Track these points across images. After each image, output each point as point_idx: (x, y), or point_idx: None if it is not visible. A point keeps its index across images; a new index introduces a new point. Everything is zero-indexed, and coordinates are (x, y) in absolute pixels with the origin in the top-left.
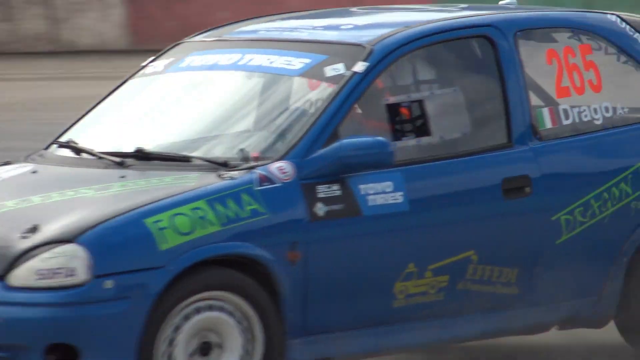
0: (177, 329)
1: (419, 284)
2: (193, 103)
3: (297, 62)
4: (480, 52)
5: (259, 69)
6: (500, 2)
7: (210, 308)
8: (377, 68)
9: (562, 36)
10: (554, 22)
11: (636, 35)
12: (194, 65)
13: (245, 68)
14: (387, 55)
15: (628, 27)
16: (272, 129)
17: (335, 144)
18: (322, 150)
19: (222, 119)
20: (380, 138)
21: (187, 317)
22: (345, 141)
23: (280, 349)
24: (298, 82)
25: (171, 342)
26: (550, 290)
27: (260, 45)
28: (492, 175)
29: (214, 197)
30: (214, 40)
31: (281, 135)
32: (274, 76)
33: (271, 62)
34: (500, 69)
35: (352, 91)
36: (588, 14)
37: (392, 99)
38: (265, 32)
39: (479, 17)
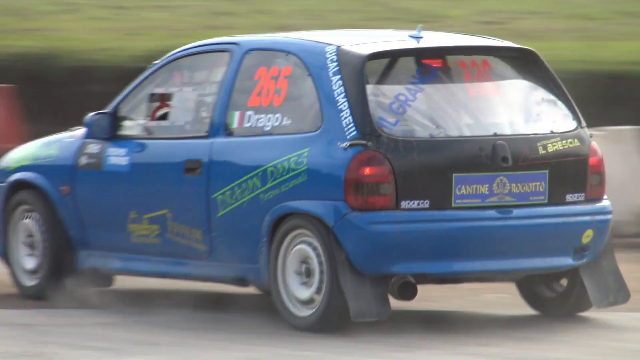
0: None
1: (142, 228)
2: None
3: None
4: (223, 64)
5: None
6: (410, 33)
7: None
8: (159, 64)
9: (279, 57)
10: (277, 46)
11: (333, 65)
12: None
13: None
14: (166, 58)
15: (334, 58)
16: None
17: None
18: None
19: None
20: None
21: None
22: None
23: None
24: None
25: None
26: (225, 253)
27: None
28: (180, 156)
29: None
30: None
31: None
32: None
33: None
34: (222, 77)
35: (141, 79)
36: (306, 42)
37: (156, 90)
38: None
39: (232, 37)
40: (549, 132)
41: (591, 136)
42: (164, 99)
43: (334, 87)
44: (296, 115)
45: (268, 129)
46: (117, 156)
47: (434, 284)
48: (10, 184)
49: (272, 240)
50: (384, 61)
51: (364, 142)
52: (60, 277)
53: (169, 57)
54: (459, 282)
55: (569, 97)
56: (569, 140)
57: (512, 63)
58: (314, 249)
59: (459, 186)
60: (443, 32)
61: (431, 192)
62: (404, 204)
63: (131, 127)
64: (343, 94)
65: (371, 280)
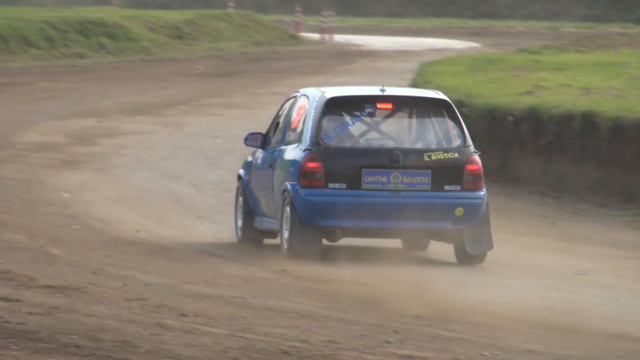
0: None
1: (263, 201)
2: None
3: None
4: (295, 103)
5: None
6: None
7: None
8: (284, 102)
9: (304, 98)
10: (305, 92)
11: (315, 104)
12: None
13: None
14: (287, 99)
15: (317, 99)
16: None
17: None
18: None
19: None
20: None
21: None
22: None
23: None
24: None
25: None
26: (277, 214)
27: None
28: (270, 158)
29: None
30: None
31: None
32: None
33: None
34: (289, 110)
35: (277, 112)
36: (315, 90)
37: (277, 119)
38: None
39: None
40: (436, 147)
41: (476, 152)
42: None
43: (310, 116)
44: (299, 132)
45: (292, 141)
46: (259, 159)
47: (355, 236)
48: (237, 176)
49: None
50: (342, 102)
51: (310, 148)
52: (248, 233)
53: (287, 98)
54: (369, 236)
55: (464, 129)
56: (450, 154)
57: (430, 107)
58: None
59: (367, 176)
60: (402, 87)
61: (348, 178)
62: (330, 185)
63: (269, 142)
64: (311, 121)
65: (312, 229)
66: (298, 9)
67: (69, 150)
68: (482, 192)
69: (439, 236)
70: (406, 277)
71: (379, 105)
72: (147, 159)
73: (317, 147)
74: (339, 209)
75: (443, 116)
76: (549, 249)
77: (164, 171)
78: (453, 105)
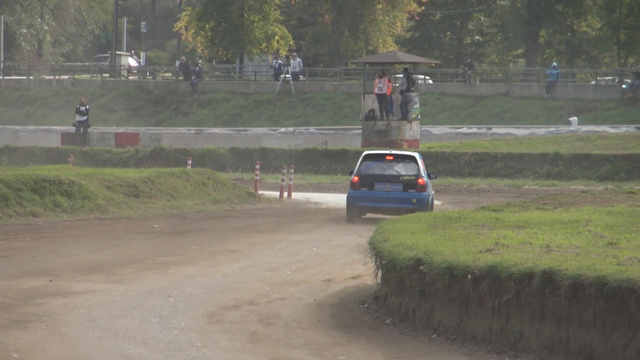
0: None
1: None
2: None
3: None
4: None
5: None
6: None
7: None
8: None
9: None
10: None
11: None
12: None
13: None
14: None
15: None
16: None
17: None
18: None
19: None
20: None
21: None
22: None
23: None
24: None
25: None
26: None
27: None
28: None
29: None
30: None
31: None
32: None
33: None
34: None
35: None
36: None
37: None
38: None
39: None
40: (407, 174)
41: (416, 177)
42: None
43: (358, 161)
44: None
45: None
46: None
47: (370, 212)
48: None
49: None
50: (371, 156)
51: (356, 174)
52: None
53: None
54: (377, 212)
55: (420, 167)
56: (411, 177)
57: (408, 158)
58: None
59: (376, 185)
60: (400, 150)
61: (369, 185)
62: (362, 188)
63: None
64: (358, 163)
65: (355, 207)
66: (257, 166)
67: (20, 310)
68: (426, 193)
69: (407, 211)
70: None
71: (387, 158)
72: (98, 319)
73: (358, 173)
74: (364, 198)
75: (412, 162)
76: None
77: (115, 331)
78: (417, 158)
